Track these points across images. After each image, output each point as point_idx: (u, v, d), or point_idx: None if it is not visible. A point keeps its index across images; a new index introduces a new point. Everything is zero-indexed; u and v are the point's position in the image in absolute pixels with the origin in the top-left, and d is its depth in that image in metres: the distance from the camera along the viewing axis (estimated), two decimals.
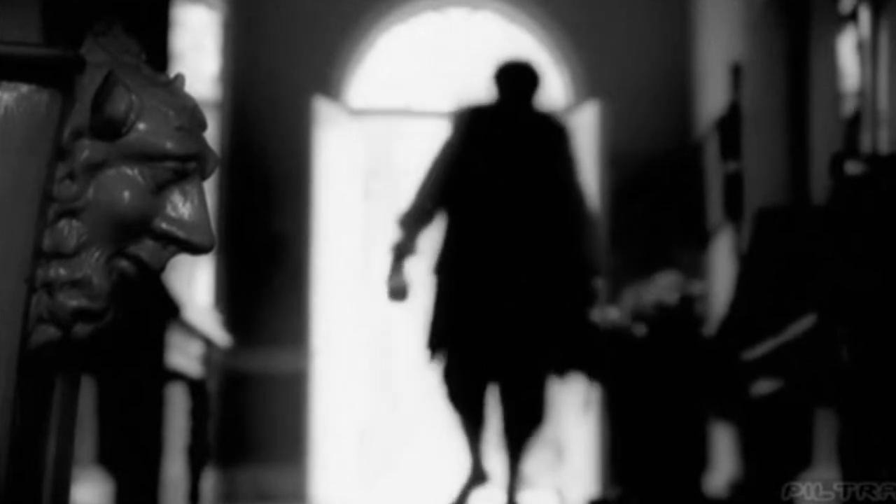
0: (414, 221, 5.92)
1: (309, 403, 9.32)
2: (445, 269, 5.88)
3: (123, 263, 1.43)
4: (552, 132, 5.94)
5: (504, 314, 5.74)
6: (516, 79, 5.94)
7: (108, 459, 5.97)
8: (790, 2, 6.92)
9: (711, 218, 8.84)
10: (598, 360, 6.17)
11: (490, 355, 5.81)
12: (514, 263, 5.77)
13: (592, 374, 6.20)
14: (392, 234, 6.03)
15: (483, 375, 5.84)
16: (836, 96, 6.26)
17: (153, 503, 4.53)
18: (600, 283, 6.08)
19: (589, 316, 5.95)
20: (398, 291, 5.94)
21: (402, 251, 5.92)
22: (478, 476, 5.79)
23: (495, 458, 6.07)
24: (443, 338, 5.84)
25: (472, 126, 5.93)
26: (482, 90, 6.13)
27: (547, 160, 5.90)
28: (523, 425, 5.84)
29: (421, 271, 6.02)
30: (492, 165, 5.87)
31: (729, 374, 5.97)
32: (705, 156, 8.97)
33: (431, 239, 6.00)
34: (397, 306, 6.11)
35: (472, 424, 5.78)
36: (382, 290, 6.03)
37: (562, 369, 5.92)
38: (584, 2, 9.70)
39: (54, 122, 1.37)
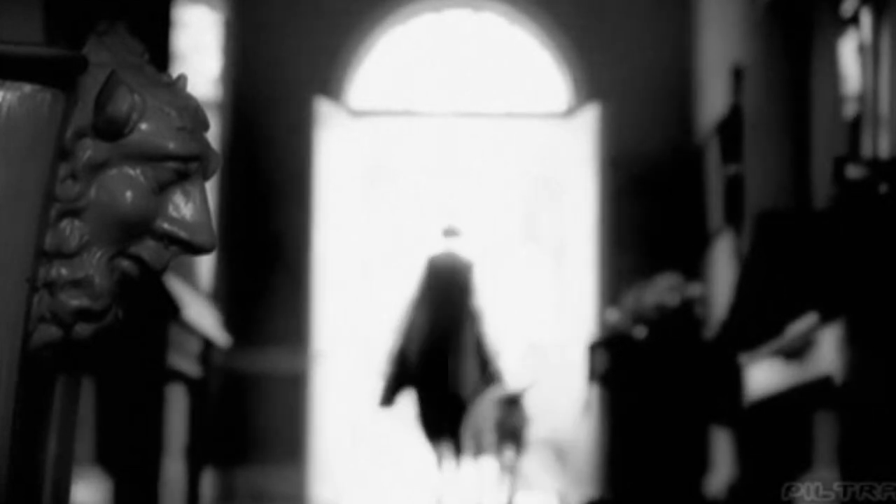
0: (398, 354, 8.99)
1: (308, 404, 9.32)
2: (413, 361, 9.04)
3: (125, 263, 1.43)
4: (467, 270, 9.16)
5: (445, 385, 8.97)
6: (449, 235, 9.26)
7: (108, 459, 5.96)
8: (791, 5, 6.92)
9: (712, 221, 8.84)
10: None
11: (441, 406, 9.01)
12: (448, 353, 8.95)
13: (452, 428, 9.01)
14: (384, 364, 9.11)
15: (440, 415, 9.03)
16: (838, 99, 6.26)
17: (152, 503, 4.53)
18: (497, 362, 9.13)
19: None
20: (386, 403, 9.04)
21: (391, 377, 8.98)
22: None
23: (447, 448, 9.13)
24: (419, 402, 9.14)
25: (429, 270, 9.15)
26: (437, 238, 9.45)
27: (465, 287, 9.12)
28: (456, 430, 9.01)
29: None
30: (436, 294, 9.08)
31: (728, 377, 5.97)
32: (706, 158, 8.97)
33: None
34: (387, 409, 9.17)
35: (437, 441, 9.03)
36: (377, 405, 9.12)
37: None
38: (586, 4, 9.69)
39: (57, 122, 1.37)
